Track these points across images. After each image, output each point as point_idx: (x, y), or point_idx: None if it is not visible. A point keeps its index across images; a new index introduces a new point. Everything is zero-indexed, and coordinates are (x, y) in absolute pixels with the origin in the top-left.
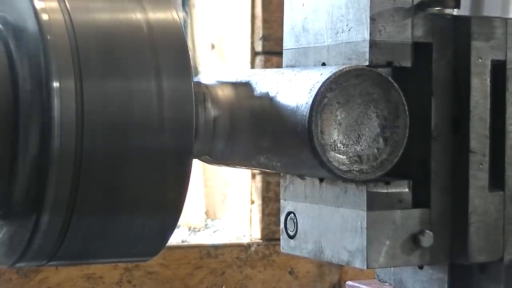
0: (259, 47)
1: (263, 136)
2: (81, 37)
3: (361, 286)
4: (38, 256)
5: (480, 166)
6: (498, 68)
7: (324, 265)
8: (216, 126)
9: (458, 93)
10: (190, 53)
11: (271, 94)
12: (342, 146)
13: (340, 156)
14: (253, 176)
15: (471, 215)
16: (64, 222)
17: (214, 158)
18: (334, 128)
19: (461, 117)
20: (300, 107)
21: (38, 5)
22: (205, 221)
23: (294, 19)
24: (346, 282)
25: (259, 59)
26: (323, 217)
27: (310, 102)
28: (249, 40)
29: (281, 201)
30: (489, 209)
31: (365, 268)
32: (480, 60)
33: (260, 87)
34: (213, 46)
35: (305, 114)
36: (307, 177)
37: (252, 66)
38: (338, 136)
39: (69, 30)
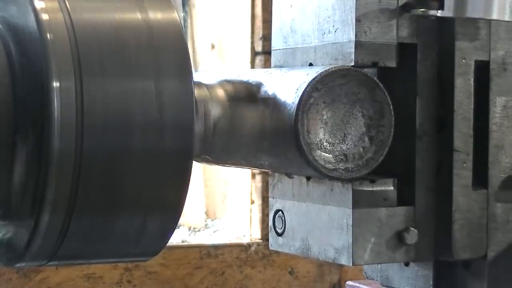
0: (259, 47)
1: (255, 135)
2: (81, 37)
3: (361, 286)
4: (38, 256)
5: (464, 165)
6: (481, 69)
7: (324, 265)
8: (216, 126)
9: (443, 93)
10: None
11: (260, 94)
12: (328, 145)
13: (326, 154)
14: (253, 176)
15: (455, 213)
16: (64, 222)
17: (214, 158)
18: (320, 127)
19: (446, 116)
20: (287, 106)
21: (38, 4)
22: (205, 221)
23: (282, 20)
24: (346, 282)
25: (259, 59)
26: (310, 215)
27: (297, 102)
28: (249, 40)
29: (270, 199)
30: (472, 207)
31: (351, 264)
32: (464, 61)
33: None
34: (213, 46)
35: (291, 113)
36: (294, 176)
37: (252, 66)
38: (324, 135)
39: (69, 30)
